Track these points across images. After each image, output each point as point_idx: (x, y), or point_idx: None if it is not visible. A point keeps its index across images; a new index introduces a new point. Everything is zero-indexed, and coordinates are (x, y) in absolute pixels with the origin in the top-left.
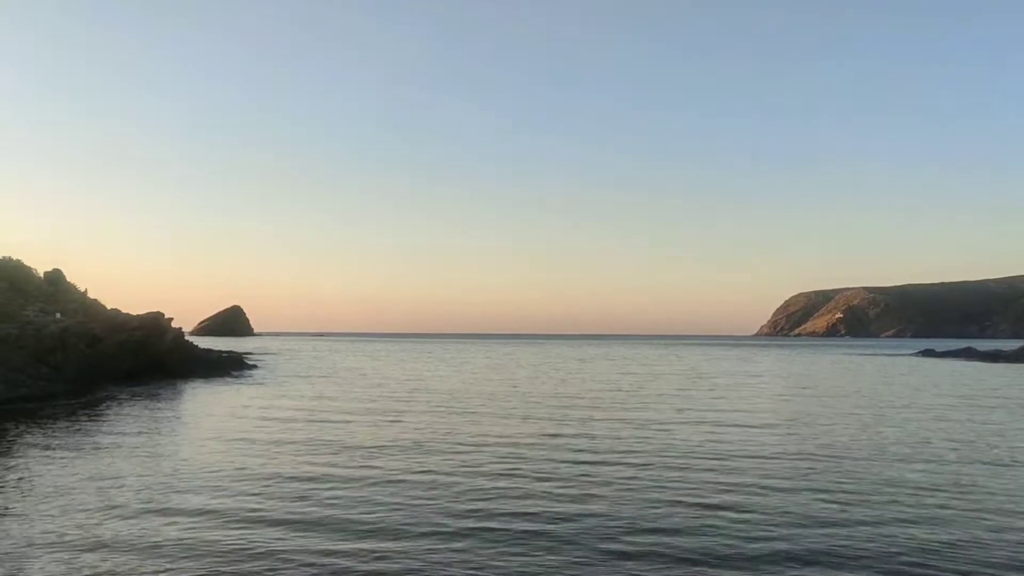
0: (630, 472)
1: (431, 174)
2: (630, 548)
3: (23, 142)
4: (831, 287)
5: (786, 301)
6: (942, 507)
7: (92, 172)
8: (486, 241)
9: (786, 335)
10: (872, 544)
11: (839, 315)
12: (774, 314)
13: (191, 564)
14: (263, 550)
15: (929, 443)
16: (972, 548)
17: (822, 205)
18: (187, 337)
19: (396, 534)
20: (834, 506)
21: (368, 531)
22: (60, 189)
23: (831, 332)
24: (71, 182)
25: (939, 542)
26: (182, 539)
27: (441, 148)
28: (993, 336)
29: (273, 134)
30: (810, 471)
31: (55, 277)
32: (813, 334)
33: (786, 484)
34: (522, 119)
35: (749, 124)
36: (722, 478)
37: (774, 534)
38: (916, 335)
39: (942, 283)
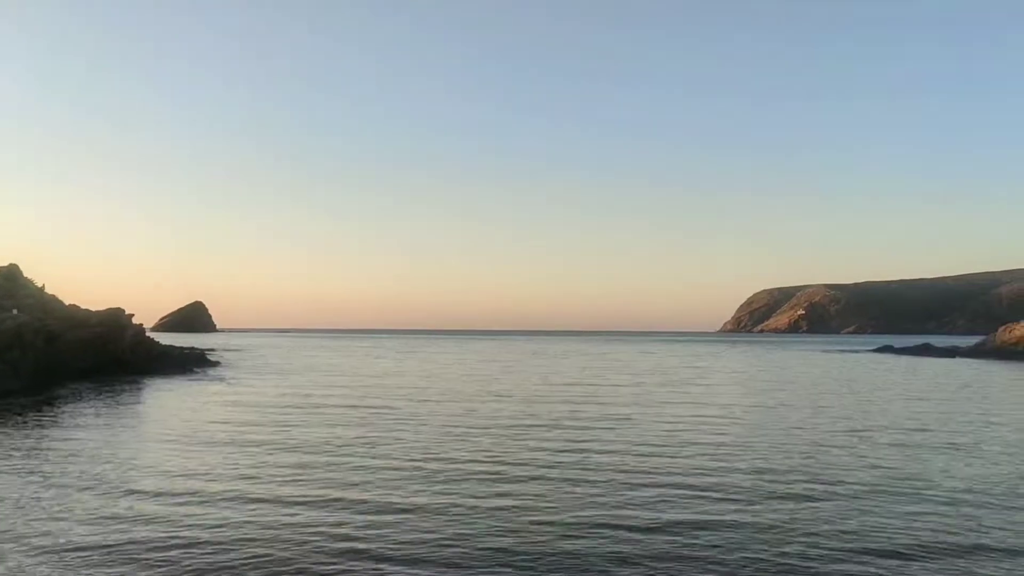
0: (595, 480)
1: (398, 165)
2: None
3: None
4: (793, 284)
5: (749, 298)
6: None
7: (49, 166)
8: (451, 235)
9: (749, 331)
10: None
11: (801, 312)
12: (737, 310)
13: (144, 567)
14: (211, 555)
15: (899, 437)
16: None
17: (785, 202)
18: (148, 333)
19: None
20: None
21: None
22: (17, 183)
23: (793, 328)
24: (27, 175)
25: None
26: (133, 540)
27: (415, 139)
28: (951, 332)
29: (238, 126)
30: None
31: (11, 272)
32: (776, 330)
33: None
34: (501, 106)
35: (710, 119)
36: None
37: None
38: (876, 331)
39: (901, 280)
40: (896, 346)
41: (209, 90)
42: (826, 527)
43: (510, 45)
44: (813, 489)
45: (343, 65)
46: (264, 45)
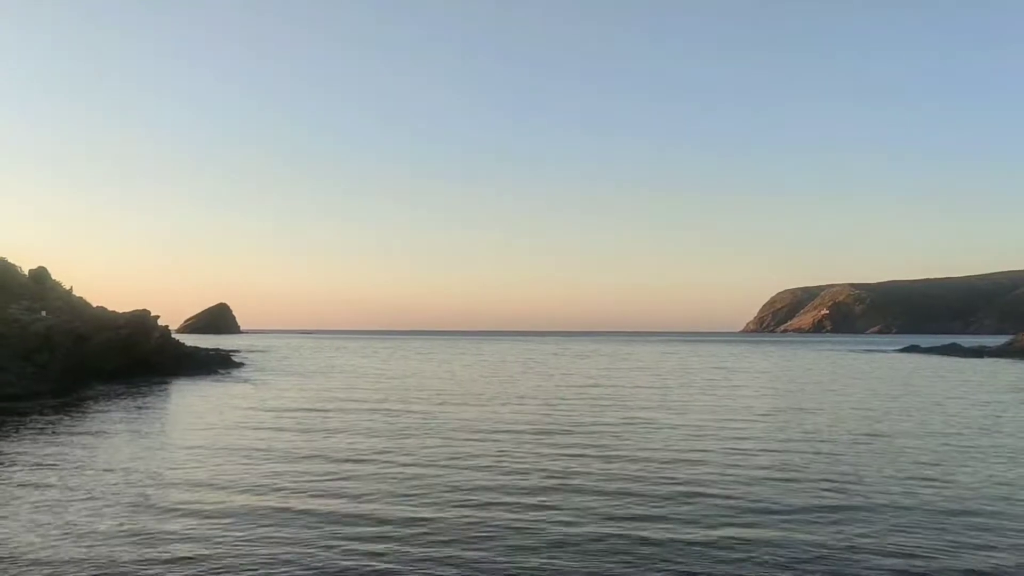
0: (616, 487)
1: (417, 170)
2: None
3: (5, 139)
4: (817, 284)
5: (772, 298)
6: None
7: (76, 170)
8: (476, 238)
9: (772, 331)
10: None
11: (825, 311)
12: (760, 310)
13: (170, 566)
14: (237, 558)
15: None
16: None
17: (808, 202)
18: (173, 335)
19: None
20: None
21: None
22: (44, 187)
23: (817, 328)
24: (55, 180)
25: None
26: (163, 542)
27: (430, 143)
28: (977, 332)
29: (260, 130)
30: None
31: (40, 275)
32: (799, 330)
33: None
34: (511, 115)
35: (733, 120)
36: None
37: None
38: (901, 331)
39: (927, 279)
40: (922, 346)
41: (231, 94)
42: None
43: (529, 50)
44: None
45: (362, 69)
46: (275, 49)
